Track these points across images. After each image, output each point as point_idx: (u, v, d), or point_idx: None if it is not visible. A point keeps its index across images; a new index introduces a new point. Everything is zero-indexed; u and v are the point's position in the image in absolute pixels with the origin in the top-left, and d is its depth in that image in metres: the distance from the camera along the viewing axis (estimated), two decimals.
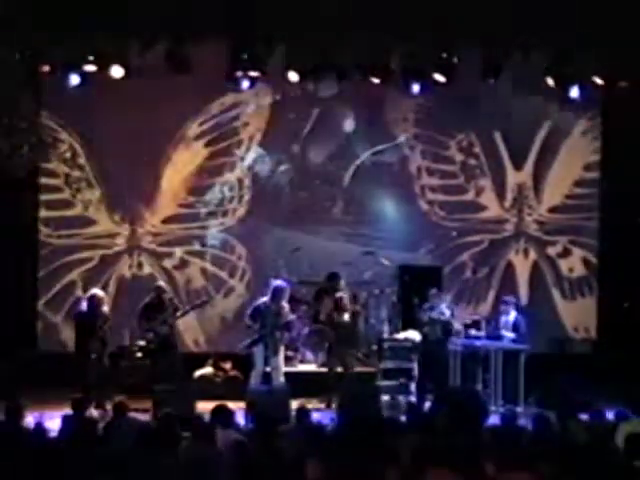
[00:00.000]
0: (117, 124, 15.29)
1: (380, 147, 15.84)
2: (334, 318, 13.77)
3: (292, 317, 13.59)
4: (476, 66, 13.33)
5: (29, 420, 10.55)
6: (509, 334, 13.72)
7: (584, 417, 9.79)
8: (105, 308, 13.25)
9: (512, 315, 13.86)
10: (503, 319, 13.91)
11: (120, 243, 15.63)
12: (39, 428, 9.09)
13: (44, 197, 15.45)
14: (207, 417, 9.17)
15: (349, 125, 15.89)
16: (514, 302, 14.26)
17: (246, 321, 13.29)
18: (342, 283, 14.23)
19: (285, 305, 13.35)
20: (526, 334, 13.77)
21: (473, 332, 13.86)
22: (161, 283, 14.37)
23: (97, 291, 13.47)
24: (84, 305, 13.27)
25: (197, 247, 15.76)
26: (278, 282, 13.45)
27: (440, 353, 13.47)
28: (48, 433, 9.00)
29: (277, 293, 13.20)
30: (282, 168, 15.86)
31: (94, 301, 13.10)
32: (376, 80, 13.41)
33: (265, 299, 13.28)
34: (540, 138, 16.07)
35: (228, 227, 15.81)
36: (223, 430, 8.87)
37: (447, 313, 13.65)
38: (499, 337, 13.75)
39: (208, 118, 15.67)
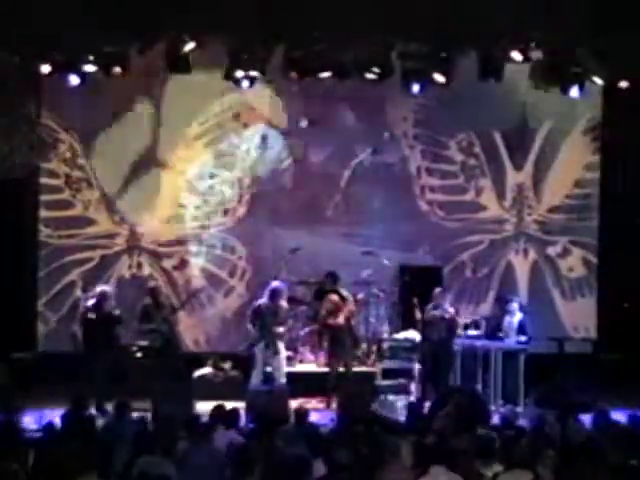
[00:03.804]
0: (117, 124, 15.30)
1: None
2: (328, 322, 13.76)
3: (290, 318, 13.63)
4: (476, 66, 13.31)
5: (28, 420, 10.61)
6: (521, 337, 13.64)
7: (587, 417, 9.78)
8: (112, 305, 13.31)
9: (517, 316, 13.82)
10: (507, 319, 13.87)
11: (120, 243, 15.62)
12: (49, 427, 9.14)
13: (44, 197, 15.44)
14: (207, 417, 9.21)
15: (349, 125, 15.88)
16: (519, 302, 14.23)
17: (248, 325, 13.37)
18: (340, 282, 14.21)
19: (284, 304, 13.39)
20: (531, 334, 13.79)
21: (474, 332, 13.84)
22: (153, 284, 14.34)
23: (106, 287, 13.54)
24: (92, 302, 13.33)
25: (196, 247, 15.75)
26: (275, 283, 13.48)
27: (445, 353, 13.47)
28: (56, 431, 9.05)
29: (275, 294, 13.25)
30: (284, 165, 15.85)
31: (103, 298, 13.19)
32: (376, 80, 13.39)
33: (263, 300, 13.33)
34: (540, 138, 16.07)
35: (228, 227, 15.81)
36: (223, 430, 8.89)
37: (452, 311, 13.64)
38: (503, 338, 13.74)
39: (208, 118, 15.67)
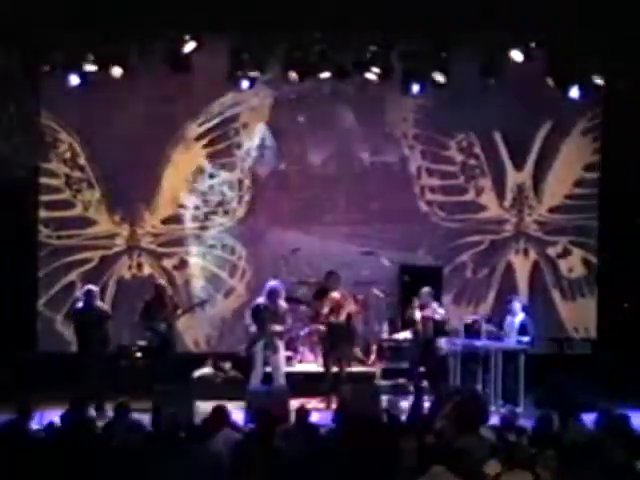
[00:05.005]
0: (117, 124, 15.31)
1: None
2: (330, 320, 13.76)
3: (290, 318, 13.63)
4: (476, 66, 13.32)
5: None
6: (523, 337, 13.63)
7: (591, 417, 9.74)
8: (99, 303, 13.30)
9: (520, 316, 13.80)
10: (508, 319, 13.86)
11: (120, 243, 15.63)
12: (50, 427, 9.14)
13: (44, 198, 15.46)
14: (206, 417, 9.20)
15: (349, 125, 15.89)
16: (522, 302, 14.21)
17: (247, 321, 13.39)
18: (340, 281, 14.21)
19: (282, 303, 13.39)
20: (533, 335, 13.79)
21: (486, 328, 13.74)
22: (161, 281, 14.43)
23: (91, 286, 13.51)
24: (81, 302, 13.29)
25: (196, 247, 15.77)
26: (273, 282, 13.48)
27: (431, 352, 13.50)
28: (57, 431, 9.05)
29: (272, 294, 13.25)
30: (282, 166, 15.86)
31: (90, 296, 13.15)
32: (376, 80, 13.40)
33: (261, 299, 13.34)
34: (540, 138, 16.08)
35: (228, 227, 15.81)
36: (223, 430, 8.88)
37: (442, 312, 13.66)
38: (502, 338, 13.73)
39: (208, 118, 15.68)
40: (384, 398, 13.02)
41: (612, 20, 12.30)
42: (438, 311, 13.71)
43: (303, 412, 9.74)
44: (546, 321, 15.53)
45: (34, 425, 9.59)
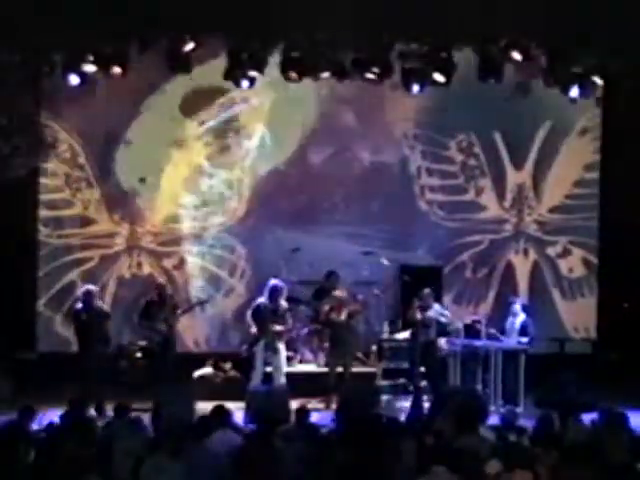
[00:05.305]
0: (117, 124, 15.32)
1: None
2: (331, 318, 13.77)
3: (290, 318, 13.63)
4: (476, 66, 13.32)
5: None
6: (522, 338, 13.64)
7: (591, 417, 9.75)
8: (99, 303, 13.30)
9: (521, 317, 13.80)
10: (510, 320, 13.86)
11: (120, 243, 15.63)
12: (50, 427, 9.15)
13: (44, 197, 15.46)
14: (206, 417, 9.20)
15: (349, 125, 15.89)
16: (523, 303, 14.21)
17: (248, 320, 13.41)
18: (340, 281, 14.22)
19: (283, 303, 13.40)
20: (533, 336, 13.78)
21: (487, 331, 13.73)
22: (161, 281, 14.43)
23: (91, 286, 13.49)
24: (80, 303, 13.28)
25: (196, 247, 15.77)
26: (275, 281, 13.49)
27: (431, 353, 13.51)
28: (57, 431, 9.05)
29: (274, 292, 13.27)
30: (282, 166, 15.86)
31: (90, 296, 13.14)
32: (376, 80, 13.40)
33: (263, 299, 13.34)
34: (540, 138, 16.08)
35: (228, 227, 15.81)
36: (223, 430, 8.89)
37: (447, 314, 13.70)
38: (505, 339, 13.73)
39: (208, 118, 15.68)
40: (384, 398, 13.10)
41: (612, 20, 12.28)
42: (444, 313, 13.72)
43: (303, 412, 9.75)
44: (546, 321, 15.53)
45: (34, 425, 9.60)
